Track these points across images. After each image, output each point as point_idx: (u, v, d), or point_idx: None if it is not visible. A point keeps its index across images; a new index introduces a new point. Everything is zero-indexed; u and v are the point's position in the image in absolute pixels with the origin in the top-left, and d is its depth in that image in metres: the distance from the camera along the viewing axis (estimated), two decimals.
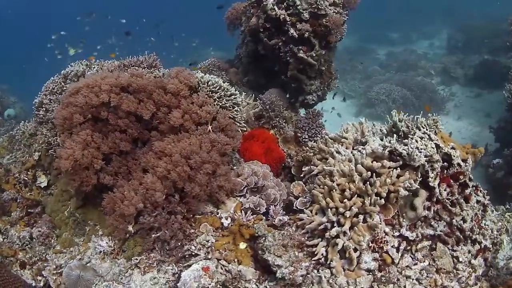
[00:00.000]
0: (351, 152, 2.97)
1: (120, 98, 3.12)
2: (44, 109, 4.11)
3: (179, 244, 2.77)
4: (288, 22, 4.00)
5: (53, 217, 3.60)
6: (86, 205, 3.42)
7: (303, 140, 4.10)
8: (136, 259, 2.79)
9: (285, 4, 4.00)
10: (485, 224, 3.21)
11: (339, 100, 12.72)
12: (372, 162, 2.72)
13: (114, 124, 3.16)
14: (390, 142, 2.75)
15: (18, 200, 3.92)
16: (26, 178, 4.06)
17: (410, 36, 19.70)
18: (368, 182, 2.69)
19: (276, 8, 4.00)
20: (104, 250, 3.04)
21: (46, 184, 3.95)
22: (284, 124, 4.24)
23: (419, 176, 2.73)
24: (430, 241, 2.86)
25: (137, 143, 3.30)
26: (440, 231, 2.87)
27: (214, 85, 3.34)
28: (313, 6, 3.90)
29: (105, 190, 3.04)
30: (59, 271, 3.11)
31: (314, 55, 4.09)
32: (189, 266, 2.61)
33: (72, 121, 3.17)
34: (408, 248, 2.79)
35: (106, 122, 3.21)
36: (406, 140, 2.79)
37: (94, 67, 4.34)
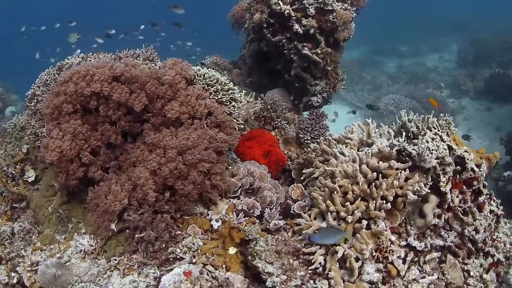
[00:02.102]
0: (356, 153, 2.74)
1: (112, 88, 2.93)
2: (35, 100, 3.96)
3: (164, 246, 2.54)
4: (293, 18, 3.81)
5: (37, 212, 3.43)
6: (71, 201, 3.23)
7: (305, 141, 3.89)
8: (115, 259, 2.56)
9: None
10: (497, 237, 2.97)
11: (346, 111, 12.55)
12: (378, 162, 2.48)
13: (104, 116, 2.96)
14: (398, 141, 2.51)
15: (4, 194, 3.76)
16: (14, 172, 3.89)
17: (420, 49, 19.50)
18: (373, 184, 2.45)
19: (281, 3, 3.80)
20: (85, 249, 2.83)
21: (33, 179, 3.79)
22: (286, 125, 4.03)
23: (430, 180, 2.49)
24: (440, 253, 2.62)
25: (127, 137, 3.10)
26: (451, 242, 2.63)
27: (211, 78, 3.14)
28: (320, 1, 3.70)
29: (92, 186, 2.84)
30: (34, 268, 2.90)
31: (320, 52, 3.87)
32: (172, 270, 2.37)
33: (61, 111, 2.98)
34: (416, 259, 2.55)
35: (96, 113, 3.02)
36: (416, 140, 2.55)
37: (90, 60, 4.19)
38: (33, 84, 4.22)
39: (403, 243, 2.53)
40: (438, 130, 2.67)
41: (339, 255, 2.39)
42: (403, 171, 2.47)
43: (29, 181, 3.77)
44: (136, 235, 2.61)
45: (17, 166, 3.93)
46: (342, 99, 14.10)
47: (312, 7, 3.76)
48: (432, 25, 20.91)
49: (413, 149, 2.44)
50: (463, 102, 12.59)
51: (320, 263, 2.43)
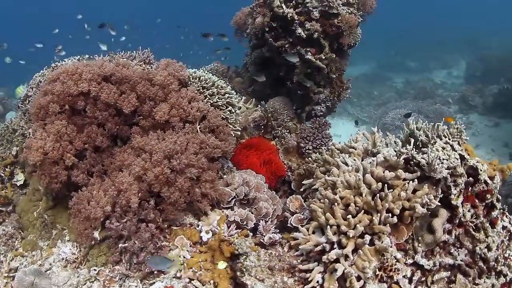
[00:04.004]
0: (360, 162, 2.53)
1: (101, 88, 2.77)
2: (27, 102, 3.84)
3: (149, 257, 2.34)
4: (296, 21, 3.65)
5: (22, 217, 3.28)
6: (57, 207, 3.07)
7: (307, 151, 3.69)
8: (95, 269, 2.37)
9: (293, 2, 3.65)
10: (509, 255, 2.74)
11: (351, 124, 12.38)
12: (383, 172, 2.27)
13: (91, 117, 2.79)
14: (406, 149, 2.31)
15: None
16: (3, 175, 3.75)
17: (428, 65, 19.39)
18: (378, 196, 2.23)
19: (284, 6, 3.65)
20: (67, 257, 2.66)
21: (22, 183, 3.64)
22: (286, 134, 3.84)
23: (440, 192, 2.27)
24: (449, 272, 2.39)
25: (116, 141, 2.93)
26: (461, 260, 2.41)
27: (207, 81, 2.97)
28: (324, 4, 3.54)
29: (78, 191, 2.66)
30: (12, 274, 2.72)
31: (324, 58, 3.70)
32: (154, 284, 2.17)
33: (47, 111, 2.82)
34: (423, 279, 2.33)
35: (84, 114, 2.85)
36: (425, 149, 2.35)
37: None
38: (26, 85, 4.13)
39: (410, 261, 2.32)
40: (449, 139, 2.46)
41: (339, 273, 2.18)
42: (411, 181, 2.26)
43: (18, 184, 3.64)
44: (120, 245, 2.41)
45: (6, 169, 3.79)
46: (349, 113, 13.98)
47: (316, 11, 3.60)
48: (441, 41, 20.88)
49: (422, 158, 2.23)
50: (471, 118, 12.38)
51: (317, 282, 2.22)
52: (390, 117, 12.36)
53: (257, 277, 2.15)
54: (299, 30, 3.66)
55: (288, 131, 3.92)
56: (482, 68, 15.73)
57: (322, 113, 4.27)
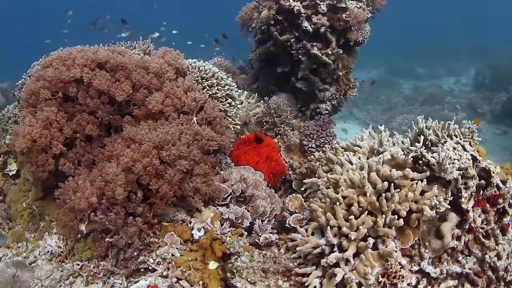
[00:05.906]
0: (365, 160, 2.38)
1: (94, 75, 2.64)
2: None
3: (136, 254, 2.20)
4: (303, 15, 3.50)
5: (10, 207, 3.18)
6: (47, 198, 2.95)
7: (309, 149, 3.54)
8: (78, 264, 2.24)
9: None
10: None
11: (358, 129, 12.23)
12: (390, 170, 2.11)
13: (82, 104, 2.66)
14: (415, 146, 2.15)
15: None
16: None
17: (437, 71, 19.23)
18: (383, 196, 2.08)
19: None
20: (52, 250, 2.53)
21: (15, 173, 3.53)
22: (289, 131, 3.69)
23: (449, 195, 2.11)
24: (456, 281, 2.25)
25: (110, 131, 2.79)
26: (469, 268, 2.25)
27: (206, 72, 2.83)
28: None
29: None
30: None
31: (330, 53, 3.55)
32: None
33: (38, 97, 2.69)
34: (429, 287, 2.15)
35: (76, 102, 2.72)
36: (435, 148, 2.19)
37: None
38: (24, 74, 4.03)
39: (415, 268, 2.18)
40: (460, 139, 2.30)
41: (338, 278, 2.03)
42: (419, 182, 2.10)
43: (10, 174, 3.54)
44: (106, 239, 2.28)
45: (0, 158, 3.69)
46: (356, 117, 13.84)
47: (323, 4, 3.45)
48: (450, 48, 20.73)
49: (432, 157, 2.07)
50: (479, 125, 12.19)
51: (315, 287, 2.05)
52: (397, 122, 12.22)
53: (249, 279, 2.00)
54: (306, 24, 3.52)
55: (291, 128, 3.78)
56: (491, 76, 15.59)
57: (327, 112, 4.12)
